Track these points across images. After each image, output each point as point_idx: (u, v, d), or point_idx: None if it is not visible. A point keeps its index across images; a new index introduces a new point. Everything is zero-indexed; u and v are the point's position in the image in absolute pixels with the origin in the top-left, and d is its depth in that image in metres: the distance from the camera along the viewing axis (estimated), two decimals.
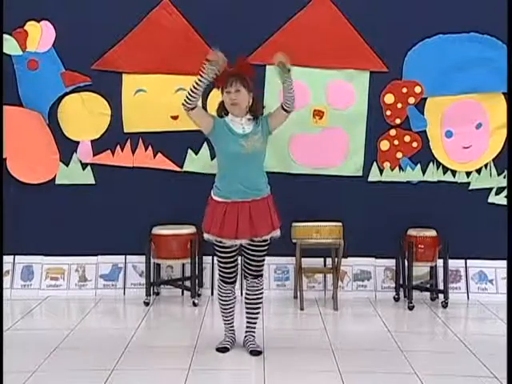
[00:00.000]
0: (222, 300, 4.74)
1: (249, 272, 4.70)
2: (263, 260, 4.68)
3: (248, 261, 4.67)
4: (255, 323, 4.80)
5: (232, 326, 4.84)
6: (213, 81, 4.61)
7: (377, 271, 6.39)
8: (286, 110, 4.55)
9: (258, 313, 4.80)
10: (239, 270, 4.80)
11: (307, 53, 6.15)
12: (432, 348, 5.02)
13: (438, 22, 6.14)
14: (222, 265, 4.67)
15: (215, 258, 4.74)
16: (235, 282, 4.74)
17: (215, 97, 6.01)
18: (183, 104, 4.46)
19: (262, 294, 4.75)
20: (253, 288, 4.71)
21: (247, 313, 4.79)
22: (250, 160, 4.50)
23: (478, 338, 5.19)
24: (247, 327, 4.81)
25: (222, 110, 4.60)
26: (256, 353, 4.66)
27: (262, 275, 4.72)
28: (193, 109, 4.47)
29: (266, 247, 4.63)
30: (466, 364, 4.56)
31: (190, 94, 4.43)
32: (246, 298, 4.78)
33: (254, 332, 4.79)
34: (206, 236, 4.61)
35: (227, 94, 4.52)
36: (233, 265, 4.67)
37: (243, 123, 4.54)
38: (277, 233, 4.61)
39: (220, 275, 4.73)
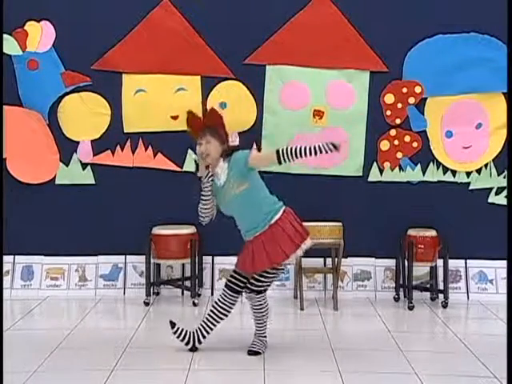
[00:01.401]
0: (219, 305, 4.66)
1: (247, 285, 4.63)
2: (264, 280, 4.57)
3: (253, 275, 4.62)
4: (261, 331, 4.73)
5: (206, 331, 4.72)
6: (190, 133, 4.72)
7: (377, 271, 6.39)
8: (279, 161, 4.39)
9: (261, 323, 4.72)
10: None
11: (307, 53, 6.17)
12: (432, 348, 5.02)
13: (438, 22, 6.14)
14: (232, 274, 4.69)
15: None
16: (240, 292, 4.65)
17: (214, 97, 6.11)
18: (201, 222, 4.69)
19: (261, 309, 4.65)
20: (251, 302, 4.65)
21: (254, 320, 4.74)
22: (237, 205, 4.55)
23: (478, 338, 5.19)
24: (256, 330, 4.77)
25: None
26: (252, 352, 4.65)
27: (259, 291, 4.59)
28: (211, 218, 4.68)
29: (272, 273, 4.57)
30: (466, 364, 4.55)
31: (201, 212, 4.64)
32: (251, 308, 4.71)
33: (261, 336, 4.73)
34: None
35: (199, 146, 4.59)
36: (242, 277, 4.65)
37: (219, 173, 4.57)
38: (273, 265, 4.51)
39: (227, 280, 4.70)
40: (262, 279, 4.56)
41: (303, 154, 4.33)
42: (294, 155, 4.34)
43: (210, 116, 4.68)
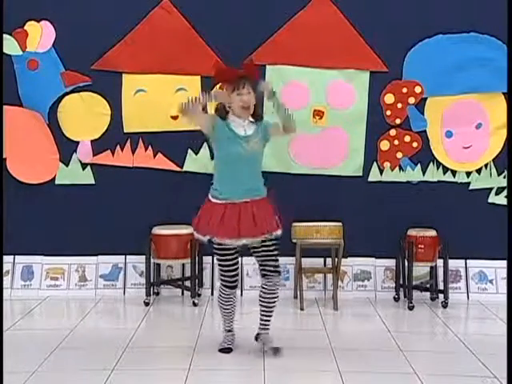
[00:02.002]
0: (223, 304, 4.71)
1: (268, 269, 4.61)
2: (278, 255, 4.65)
3: (265, 259, 4.60)
4: (268, 322, 4.73)
5: (232, 328, 4.81)
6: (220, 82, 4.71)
7: (377, 271, 6.39)
8: (285, 131, 4.57)
9: (272, 310, 4.72)
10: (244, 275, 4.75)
11: (307, 53, 6.17)
12: (432, 348, 5.02)
13: (438, 22, 6.14)
14: (224, 268, 4.63)
15: (216, 261, 4.70)
16: (237, 286, 4.70)
17: None
18: (181, 110, 4.48)
19: (277, 291, 4.68)
20: (272, 286, 4.62)
21: (263, 311, 4.72)
22: (249, 162, 4.52)
23: (478, 338, 5.19)
24: (262, 325, 4.75)
25: (223, 111, 4.58)
26: (276, 350, 4.62)
27: (280, 271, 4.68)
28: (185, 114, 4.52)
29: (276, 244, 4.61)
30: (466, 364, 4.56)
31: (188, 105, 4.47)
32: (262, 296, 4.69)
33: (267, 329, 4.74)
34: (195, 235, 4.63)
35: (239, 96, 4.49)
36: (234, 268, 4.63)
37: (245, 125, 4.54)
38: (278, 232, 4.58)
39: (222, 279, 4.67)
40: (272, 252, 4.58)
41: (285, 111, 4.51)
42: (287, 120, 4.51)
43: (249, 67, 4.68)
